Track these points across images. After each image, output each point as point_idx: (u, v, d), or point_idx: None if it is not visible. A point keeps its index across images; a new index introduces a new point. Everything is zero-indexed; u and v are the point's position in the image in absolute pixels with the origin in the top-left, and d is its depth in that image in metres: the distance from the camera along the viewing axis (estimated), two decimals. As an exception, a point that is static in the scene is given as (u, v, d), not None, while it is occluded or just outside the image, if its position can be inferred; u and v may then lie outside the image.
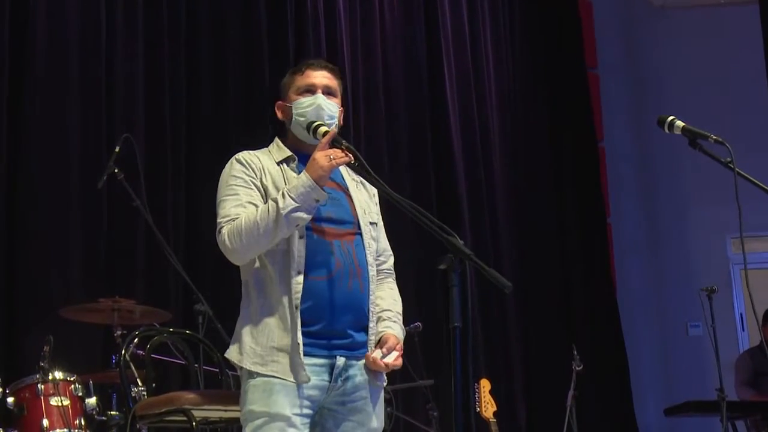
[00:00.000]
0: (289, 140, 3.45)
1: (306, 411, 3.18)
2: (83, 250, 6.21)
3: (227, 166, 3.37)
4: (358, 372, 3.27)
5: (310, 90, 3.40)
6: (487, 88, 8.97)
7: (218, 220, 3.27)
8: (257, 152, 3.41)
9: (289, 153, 3.39)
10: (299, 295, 3.17)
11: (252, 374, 3.19)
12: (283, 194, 3.17)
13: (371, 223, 3.44)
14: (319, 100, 3.38)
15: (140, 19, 6.79)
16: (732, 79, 9.92)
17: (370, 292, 3.35)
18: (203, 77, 7.11)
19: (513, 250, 8.90)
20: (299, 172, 3.30)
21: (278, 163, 3.37)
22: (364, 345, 3.31)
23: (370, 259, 3.37)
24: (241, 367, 3.23)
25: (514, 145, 9.19)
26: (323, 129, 3.28)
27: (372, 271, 3.38)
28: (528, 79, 9.48)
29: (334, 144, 3.22)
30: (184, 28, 7.06)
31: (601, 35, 10.24)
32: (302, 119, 3.36)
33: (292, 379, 3.15)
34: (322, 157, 3.19)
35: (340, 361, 3.22)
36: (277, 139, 3.48)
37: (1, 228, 5.98)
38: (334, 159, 3.18)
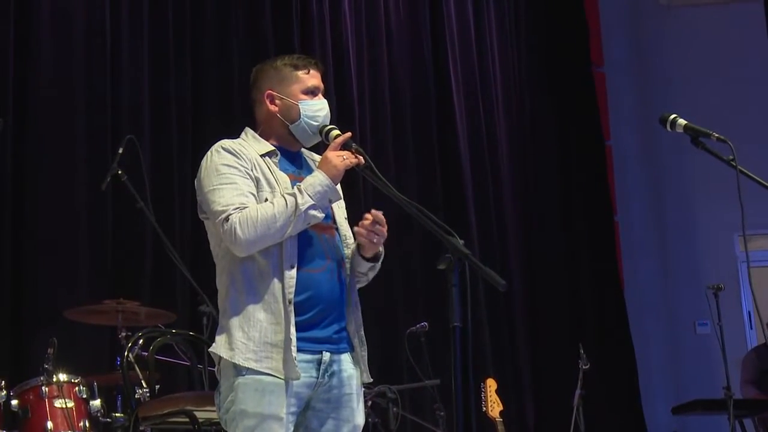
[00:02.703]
0: (270, 134, 3.43)
1: (293, 409, 3.17)
2: (89, 252, 6.21)
3: (213, 154, 3.31)
4: (342, 368, 3.28)
5: (314, 92, 3.43)
6: (493, 88, 8.96)
7: (218, 208, 3.19)
8: (239, 141, 3.39)
9: (270, 147, 3.38)
10: (293, 289, 3.16)
11: (240, 371, 3.15)
12: (300, 190, 3.17)
13: (345, 218, 3.46)
14: (327, 106, 3.43)
15: (145, 20, 6.79)
16: (739, 77, 9.89)
17: (350, 290, 3.37)
18: (209, 78, 7.11)
19: (520, 249, 8.89)
20: (282, 168, 3.34)
21: (261, 156, 3.34)
22: (344, 340, 3.32)
23: (348, 252, 3.39)
24: (230, 362, 3.17)
25: (521, 145, 9.18)
26: (336, 132, 3.32)
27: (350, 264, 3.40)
28: (534, 78, 9.46)
29: (344, 146, 3.27)
30: (189, 29, 7.06)
31: (607, 33, 10.22)
32: (315, 123, 3.38)
33: (283, 376, 3.12)
34: (335, 157, 3.24)
35: (326, 356, 3.23)
36: (251, 131, 3.45)
37: (7, 230, 5.99)
38: (346, 159, 3.22)
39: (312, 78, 3.43)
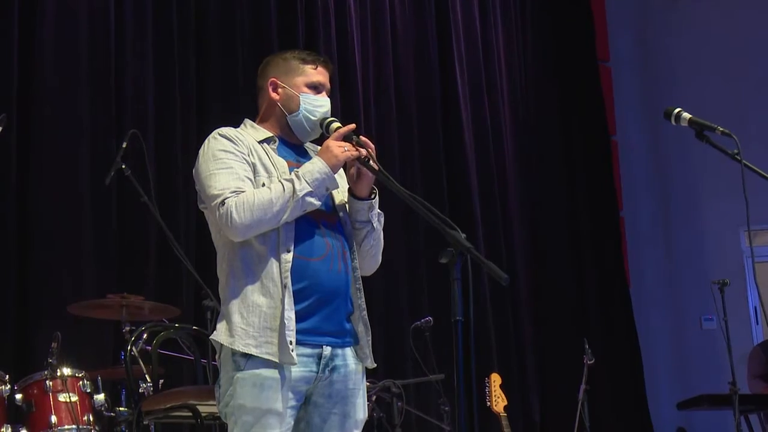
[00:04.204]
0: (269, 123, 3.45)
1: (292, 404, 3.17)
2: (93, 247, 6.20)
3: (210, 141, 3.33)
4: (344, 362, 3.27)
5: (317, 88, 3.44)
6: (498, 83, 8.95)
7: (214, 192, 3.20)
8: (237, 129, 3.40)
9: (269, 133, 3.40)
10: (288, 273, 3.15)
11: (239, 365, 3.15)
12: (297, 176, 3.17)
13: (345, 203, 3.44)
14: (328, 104, 3.44)
15: (149, 16, 6.78)
16: (746, 71, 9.87)
17: (354, 276, 3.35)
18: (213, 75, 7.10)
19: (526, 245, 8.88)
20: (281, 155, 3.35)
21: (259, 142, 3.36)
22: (349, 334, 3.31)
23: (351, 241, 3.38)
24: (231, 350, 3.16)
25: (526, 140, 9.17)
26: (336, 124, 3.33)
27: (353, 247, 3.38)
28: (539, 72, 9.46)
29: (345, 138, 3.27)
30: (194, 25, 7.05)
31: (613, 28, 10.22)
32: (313, 118, 3.39)
33: (284, 360, 3.11)
34: (336, 146, 3.24)
35: (327, 350, 3.22)
36: (250, 121, 3.48)
37: (12, 224, 5.99)
38: (347, 150, 3.23)
39: (318, 74, 3.45)
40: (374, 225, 3.40)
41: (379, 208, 3.44)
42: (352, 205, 3.38)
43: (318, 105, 3.41)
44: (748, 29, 9.93)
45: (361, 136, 3.32)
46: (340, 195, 3.41)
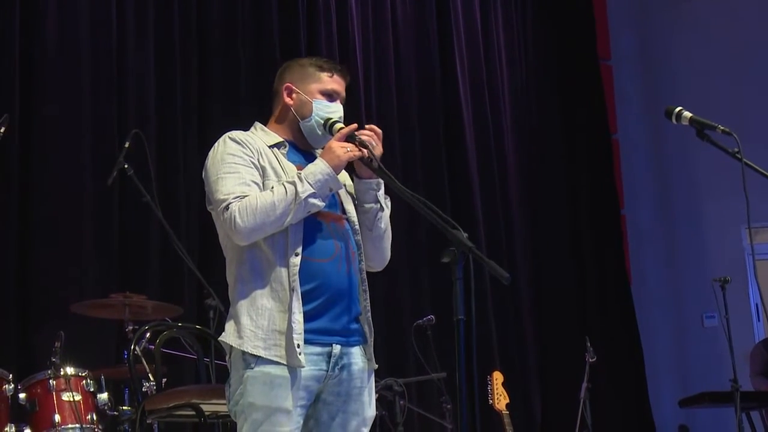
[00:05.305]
0: (282, 127, 3.46)
1: (302, 402, 3.18)
2: (96, 246, 6.22)
3: (220, 144, 3.34)
4: (353, 360, 3.29)
5: (331, 96, 3.45)
6: (499, 81, 8.95)
7: (220, 197, 3.22)
8: (247, 133, 3.41)
9: (279, 138, 3.41)
10: (296, 277, 3.17)
11: (249, 363, 3.17)
12: (300, 178, 3.18)
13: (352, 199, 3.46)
14: (341, 111, 3.44)
15: (151, 16, 6.79)
16: (748, 70, 9.86)
17: (360, 278, 3.37)
18: (214, 75, 7.10)
19: (527, 242, 8.89)
20: (290, 159, 3.36)
21: (270, 147, 3.37)
22: (357, 333, 3.33)
23: (358, 239, 3.40)
24: (241, 351, 3.18)
25: (527, 138, 9.17)
26: (339, 125, 3.34)
27: (361, 249, 3.40)
28: (540, 71, 9.45)
29: (348, 139, 3.28)
30: (195, 26, 7.06)
31: (614, 26, 10.20)
32: (323, 122, 3.40)
33: (292, 363, 3.13)
34: (339, 147, 3.26)
35: (336, 349, 3.23)
36: (260, 125, 3.49)
37: (14, 224, 6.01)
38: (350, 151, 3.24)
39: (333, 82, 3.46)
40: (383, 205, 3.42)
41: None
42: (358, 186, 3.41)
43: (330, 111, 3.42)
44: (750, 28, 9.92)
45: (366, 127, 3.34)
46: (343, 192, 3.42)
